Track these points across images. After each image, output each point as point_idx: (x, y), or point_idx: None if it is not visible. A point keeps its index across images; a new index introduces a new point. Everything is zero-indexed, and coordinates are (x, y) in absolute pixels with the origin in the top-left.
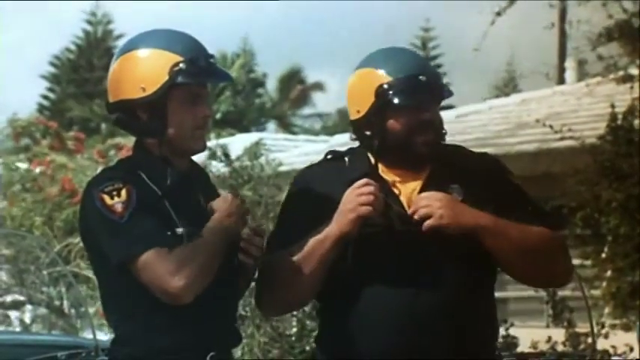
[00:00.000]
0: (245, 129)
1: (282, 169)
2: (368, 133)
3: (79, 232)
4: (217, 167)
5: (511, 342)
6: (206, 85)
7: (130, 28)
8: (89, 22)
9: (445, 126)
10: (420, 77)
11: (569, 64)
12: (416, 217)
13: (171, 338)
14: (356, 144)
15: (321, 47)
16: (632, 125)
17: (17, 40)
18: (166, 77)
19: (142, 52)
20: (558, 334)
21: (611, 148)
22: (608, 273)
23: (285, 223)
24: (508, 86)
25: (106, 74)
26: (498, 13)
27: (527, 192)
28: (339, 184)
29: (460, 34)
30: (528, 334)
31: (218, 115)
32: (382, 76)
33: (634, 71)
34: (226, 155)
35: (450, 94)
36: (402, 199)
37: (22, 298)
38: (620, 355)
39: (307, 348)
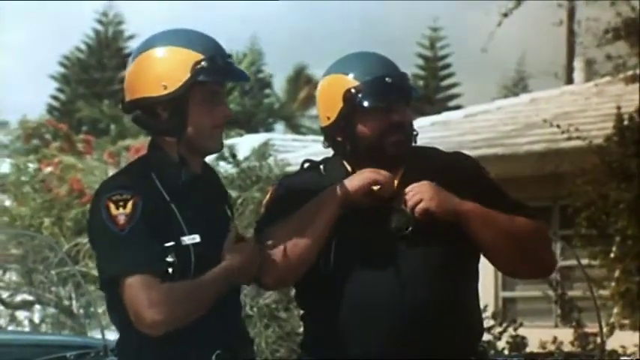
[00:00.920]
0: (253, 129)
1: (291, 169)
2: (339, 139)
3: (87, 233)
4: (225, 168)
5: (520, 342)
6: (224, 84)
7: (141, 29)
8: (100, 22)
9: (454, 126)
10: (387, 79)
11: (578, 64)
12: (409, 203)
13: (176, 338)
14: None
15: (325, 48)
16: (639, 125)
17: (27, 40)
18: (188, 75)
19: (163, 50)
20: (567, 334)
21: (619, 149)
22: (617, 273)
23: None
24: (517, 86)
25: (116, 74)
26: (505, 14)
27: (503, 189)
28: (316, 193)
29: (468, 34)
30: (537, 334)
31: None
32: (349, 80)
33: None
34: (234, 156)
35: (417, 94)
36: None
37: (31, 298)
38: (629, 356)
39: None
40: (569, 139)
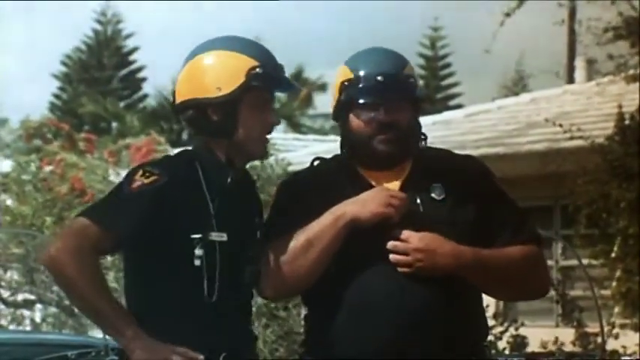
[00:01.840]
0: None
1: (292, 168)
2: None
3: None
4: None
5: (521, 342)
6: (274, 93)
7: (140, 28)
8: (99, 22)
9: (455, 125)
10: (379, 77)
11: (579, 64)
12: (392, 259)
13: (182, 340)
14: None
15: (325, 48)
16: None
17: (27, 39)
18: (243, 79)
19: (218, 54)
20: (568, 334)
21: (620, 148)
22: (618, 273)
23: (278, 223)
24: (518, 85)
25: (115, 73)
26: (507, 14)
27: (510, 198)
28: (325, 189)
29: (469, 34)
30: (538, 334)
31: None
32: (348, 72)
33: None
34: None
35: (421, 93)
36: None
37: (32, 297)
38: (630, 356)
39: None
40: (571, 138)
